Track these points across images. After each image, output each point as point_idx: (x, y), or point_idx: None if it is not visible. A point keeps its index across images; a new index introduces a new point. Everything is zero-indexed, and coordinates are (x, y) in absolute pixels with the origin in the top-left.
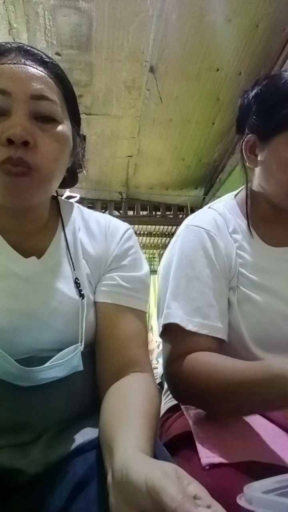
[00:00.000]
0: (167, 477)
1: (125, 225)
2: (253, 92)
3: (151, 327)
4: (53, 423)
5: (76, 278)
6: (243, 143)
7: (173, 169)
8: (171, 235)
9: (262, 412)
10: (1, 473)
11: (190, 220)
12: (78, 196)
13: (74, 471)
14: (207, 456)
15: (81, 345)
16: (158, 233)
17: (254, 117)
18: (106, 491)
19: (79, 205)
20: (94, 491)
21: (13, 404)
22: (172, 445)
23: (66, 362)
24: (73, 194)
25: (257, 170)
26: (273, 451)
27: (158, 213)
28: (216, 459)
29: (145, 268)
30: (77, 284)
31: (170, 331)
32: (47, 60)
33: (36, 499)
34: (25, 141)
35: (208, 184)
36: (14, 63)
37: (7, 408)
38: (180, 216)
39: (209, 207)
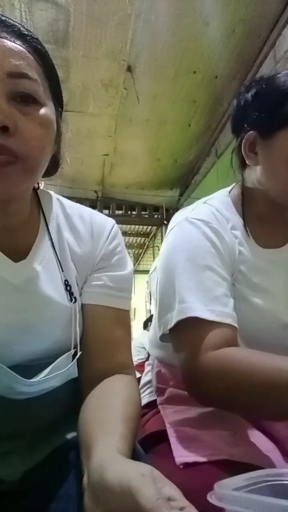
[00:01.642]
0: (142, 478)
1: (111, 221)
2: (252, 91)
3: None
4: (34, 432)
5: (66, 281)
6: (243, 141)
7: (149, 169)
8: (146, 234)
9: None
10: None
11: (189, 213)
12: (52, 193)
13: (49, 472)
14: (181, 455)
15: (77, 352)
16: (133, 232)
17: (256, 113)
18: (82, 490)
19: (58, 197)
20: (70, 490)
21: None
22: (147, 442)
23: (64, 371)
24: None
25: (257, 167)
26: (247, 450)
27: (134, 212)
28: (190, 457)
29: (130, 265)
30: (67, 287)
31: (187, 326)
32: (26, 32)
33: (14, 503)
34: (4, 126)
35: (183, 185)
36: None
37: None
38: (156, 216)
39: (204, 203)
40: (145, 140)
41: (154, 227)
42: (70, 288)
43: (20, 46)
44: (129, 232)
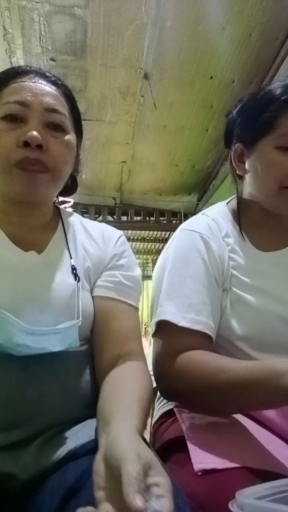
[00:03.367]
0: (135, 457)
1: (119, 231)
2: (237, 109)
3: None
4: (46, 424)
5: (73, 265)
6: (232, 153)
7: (166, 175)
8: (164, 240)
9: (258, 409)
10: None
11: (184, 225)
12: (72, 201)
13: (65, 477)
14: (199, 462)
15: (79, 320)
16: (151, 238)
17: (240, 127)
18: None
19: (77, 214)
20: (86, 498)
21: (7, 398)
22: (165, 450)
23: (65, 331)
24: (67, 199)
25: (247, 177)
26: (266, 457)
27: (152, 218)
28: (209, 464)
29: (139, 270)
30: (73, 269)
31: (162, 329)
32: (59, 82)
33: (27, 507)
34: (39, 144)
35: (201, 190)
36: (33, 82)
37: (1, 403)
38: (174, 221)
39: (202, 214)
40: (163, 146)
41: (173, 233)
42: (76, 270)
43: (55, 90)
44: (148, 238)
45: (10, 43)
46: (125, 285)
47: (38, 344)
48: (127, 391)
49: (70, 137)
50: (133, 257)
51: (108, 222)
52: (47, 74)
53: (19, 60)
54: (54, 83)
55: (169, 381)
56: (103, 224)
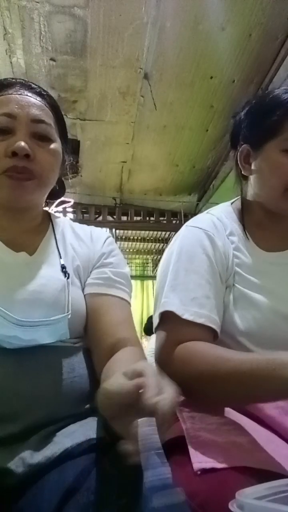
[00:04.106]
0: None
1: (107, 232)
2: (245, 109)
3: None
4: (42, 418)
5: (63, 264)
6: (238, 153)
7: (167, 175)
8: (164, 240)
9: (260, 402)
10: None
11: (189, 222)
12: (72, 201)
13: (64, 476)
14: (199, 461)
15: (68, 313)
16: (151, 238)
17: (247, 128)
18: (96, 497)
19: (65, 218)
20: (85, 497)
21: (1, 391)
22: (166, 451)
23: (54, 323)
24: (67, 199)
25: (251, 178)
26: (266, 457)
27: (152, 218)
28: (208, 464)
29: (127, 268)
30: (63, 267)
31: (166, 321)
32: (44, 93)
33: (25, 505)
34: (27, 154)
35: (201, 190)
36: (19, 94)
37: None
38: (174, 222)
39: (206, 212)
40: (163, 146)
41: (173, 233)
42: (65, 268)
43: (40, 101)
44: (148, 238)
45: (10, 43)
46: (115, 280)
47: (28, 336)
48: (116, 368)
49: (56, 145)
50: (122, 256)
51: (108, 222)
52: (32, 85)
53: (19, 60)
54: (39, 94)
55: (172, 369)
56: (91, 226)
